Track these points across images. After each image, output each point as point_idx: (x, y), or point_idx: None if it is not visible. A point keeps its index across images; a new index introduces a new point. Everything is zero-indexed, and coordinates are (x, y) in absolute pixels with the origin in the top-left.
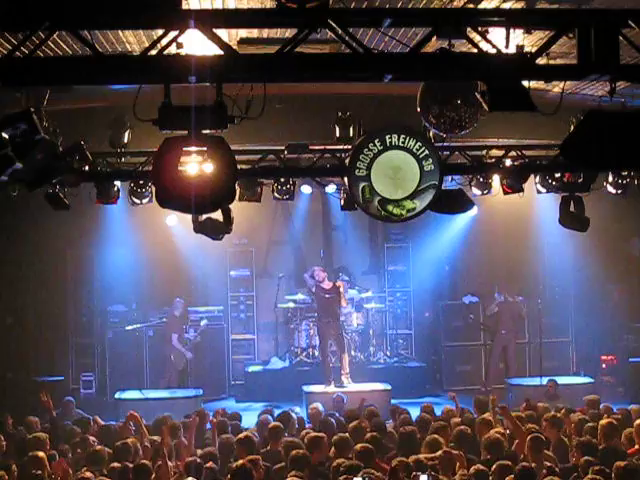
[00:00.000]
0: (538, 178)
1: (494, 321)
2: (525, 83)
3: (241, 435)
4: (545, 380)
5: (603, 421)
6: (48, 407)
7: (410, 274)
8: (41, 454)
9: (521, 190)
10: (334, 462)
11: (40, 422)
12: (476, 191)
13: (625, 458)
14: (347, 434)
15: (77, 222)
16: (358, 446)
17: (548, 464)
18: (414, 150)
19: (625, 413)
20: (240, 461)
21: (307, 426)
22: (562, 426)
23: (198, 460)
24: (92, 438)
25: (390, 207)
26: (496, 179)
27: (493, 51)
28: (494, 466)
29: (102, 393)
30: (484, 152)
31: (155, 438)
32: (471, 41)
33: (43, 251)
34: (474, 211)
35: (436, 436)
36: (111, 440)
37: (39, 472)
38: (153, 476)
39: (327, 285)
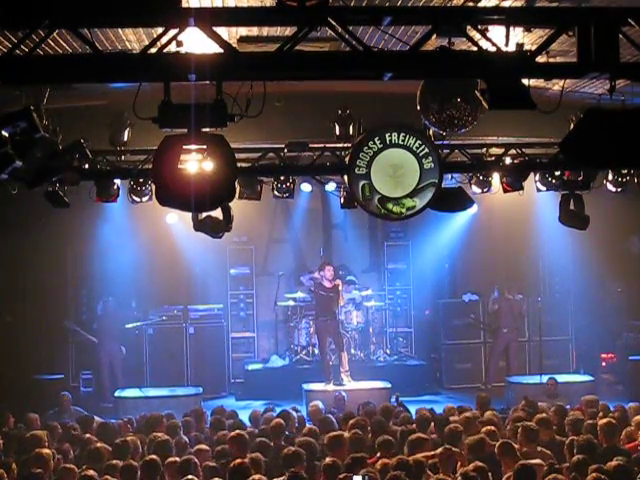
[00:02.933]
0: (538, 176)
1: (495, 319)
2: (525, 81)
3: (233, 433)
4: (545, 378)
5: (602, 421)
6: None
7: (410, 272)
8: (46, 451)
9: (521, 188)
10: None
11: (40, 419)
12: (476, 189)
13: (629, 457)
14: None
15: (77, 220)
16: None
17: (550, 461)
18: (414, 148)
19: (621, 410)
20: (238, 460)
21: (308, 424)
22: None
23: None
24: (91, 436)
25: (390, 205)
26: (496, 177)
27: (493, 49)
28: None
29: (102, 391)
30: (484, 150)
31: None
32: (471, 39)
33: (43, 249)
34: (474, 209)
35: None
36: (110, 438)
37: (39, 470)
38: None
39: (329, 284)
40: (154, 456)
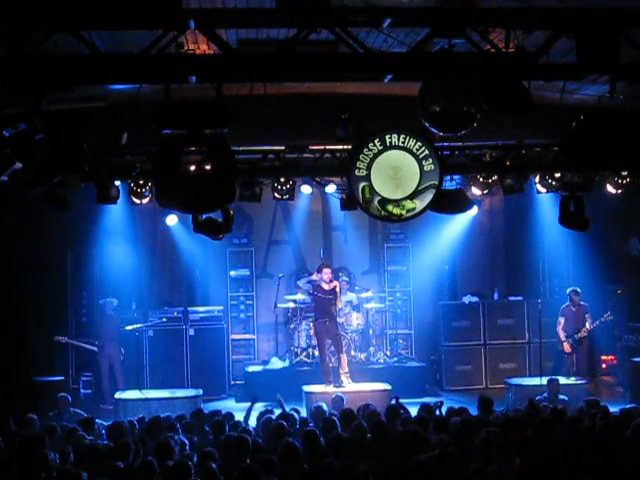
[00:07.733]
0: (538, 178)
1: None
2: (525, 83)
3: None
4: (545, 380)
5: (599, 423)
6: None
7: (410, 274)
8: (47, 453)
9: (521, 190)
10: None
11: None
12: (476, 191)
13: (626, 459)
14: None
15: (77, 222)
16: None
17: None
18: (414, 150)
19: (624, 413)
20: (248, 462)
21: (310, 425)
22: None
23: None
24: (92, 437)
25: (390, 207)
26: (496, 179)
27: (493, 51)
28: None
29: (102, 393)
30: (484, 152)
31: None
32: (471, 41)
33: (43, 251)
34: (474, 211)
35: None
36: (112, 438)
37: (40, 472)
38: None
39: (328, 287)
40: (150, 458)
